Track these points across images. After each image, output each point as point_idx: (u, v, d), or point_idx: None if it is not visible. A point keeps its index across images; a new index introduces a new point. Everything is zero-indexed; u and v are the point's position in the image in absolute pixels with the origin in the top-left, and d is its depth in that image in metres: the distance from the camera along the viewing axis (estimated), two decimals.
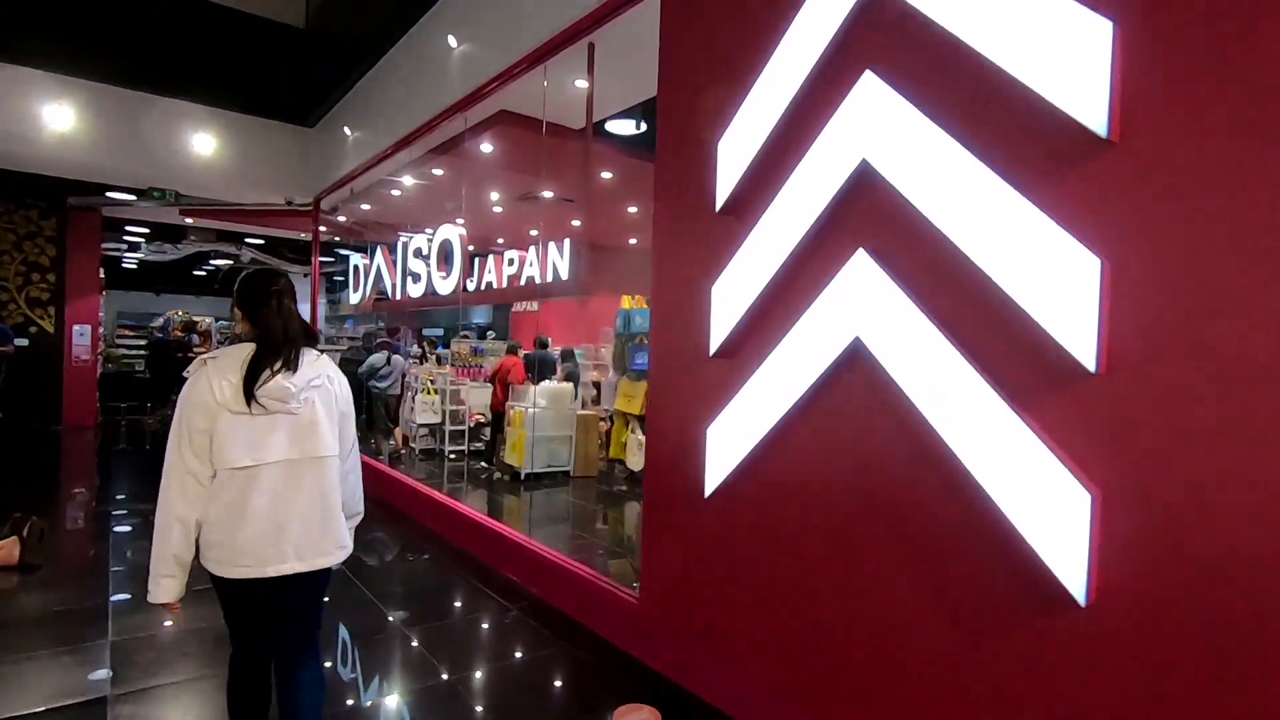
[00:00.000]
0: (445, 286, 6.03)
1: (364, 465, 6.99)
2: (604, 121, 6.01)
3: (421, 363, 11.44)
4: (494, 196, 9.01)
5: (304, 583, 2.05)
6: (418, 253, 6.56)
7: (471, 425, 9.54)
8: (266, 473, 1.93)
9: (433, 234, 6.31)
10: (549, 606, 4.07)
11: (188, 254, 18.33)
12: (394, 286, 7.24)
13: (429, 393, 9.36)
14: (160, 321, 14.69)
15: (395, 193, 8.39)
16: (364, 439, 9.77)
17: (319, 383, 2.06)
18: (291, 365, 1.98)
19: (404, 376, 9.74)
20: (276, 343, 1.98)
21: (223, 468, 1.90)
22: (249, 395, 1.90)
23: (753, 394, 2.73)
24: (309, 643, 2.17)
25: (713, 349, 2.93)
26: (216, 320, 15.60)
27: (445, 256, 6.08)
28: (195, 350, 13.61)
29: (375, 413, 9.51)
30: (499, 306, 21.52)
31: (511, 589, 4.37)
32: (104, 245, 11.65)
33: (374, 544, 5.38)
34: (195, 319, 14.27)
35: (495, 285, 5.35)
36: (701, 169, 3.00)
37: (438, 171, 7.44)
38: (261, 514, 1.92)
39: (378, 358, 9.49)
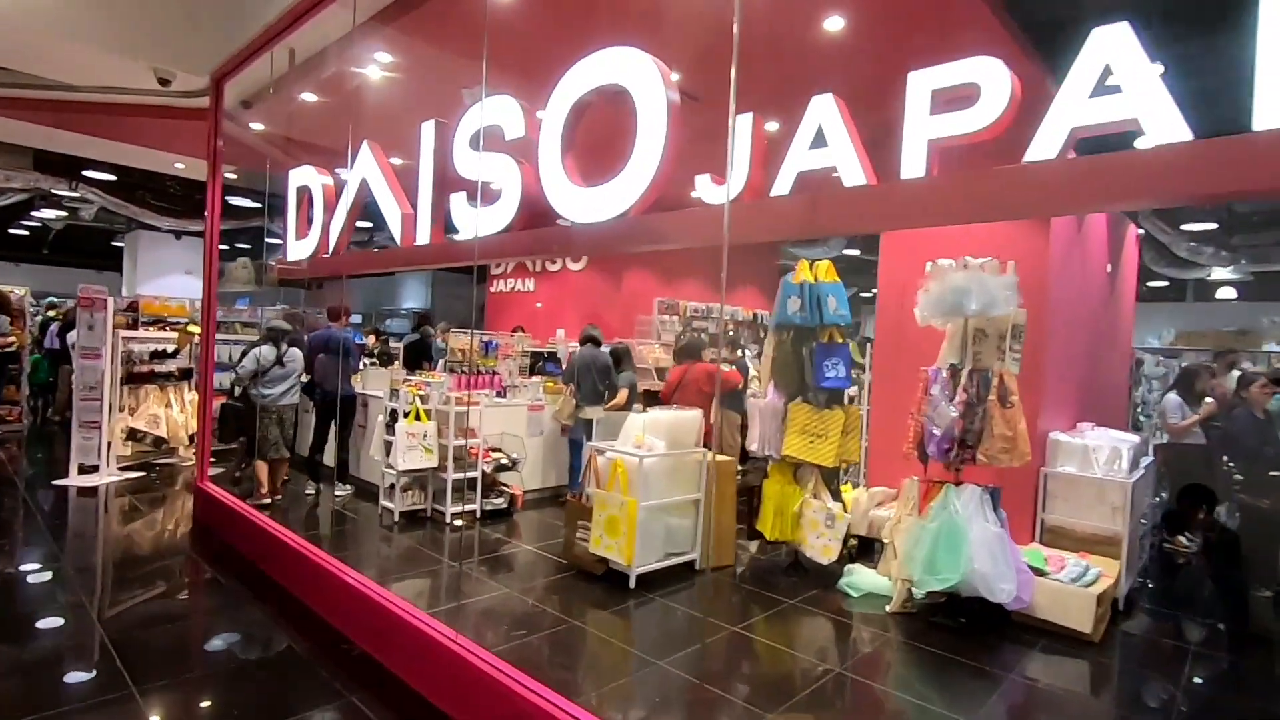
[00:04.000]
0: (609, 203, 2.47)
1: (282, 546, 3.17)
2: None
3: (382, 364, 7.53)
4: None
5: None
6: (478, 142, 2.93)
7: (488, 469, 5.87)
8: None
9: (522, 100, 2.75)
10: None
11: (2, 203, 13.12)
12: (406, 220, 3.52)
13: (419, 418, 5.60)
14: None
15: (378, 60, 4.57)
16: (241, 479, 5.93)
17: None
18: None
19: (301, 377, 6.06)
20: None
21: None
22: None
23: None
24: None
25: None
26: (39, 300, 10.73)
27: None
28: (3, 338, 9.00)
29: (266, 435, 5.79)
30: (446, 281, 17.41)
31: None
32: None
33: None
34: (3, 290, 9.48)
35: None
36: None
37: None
38: None
39: (265, 351, 5.81)
